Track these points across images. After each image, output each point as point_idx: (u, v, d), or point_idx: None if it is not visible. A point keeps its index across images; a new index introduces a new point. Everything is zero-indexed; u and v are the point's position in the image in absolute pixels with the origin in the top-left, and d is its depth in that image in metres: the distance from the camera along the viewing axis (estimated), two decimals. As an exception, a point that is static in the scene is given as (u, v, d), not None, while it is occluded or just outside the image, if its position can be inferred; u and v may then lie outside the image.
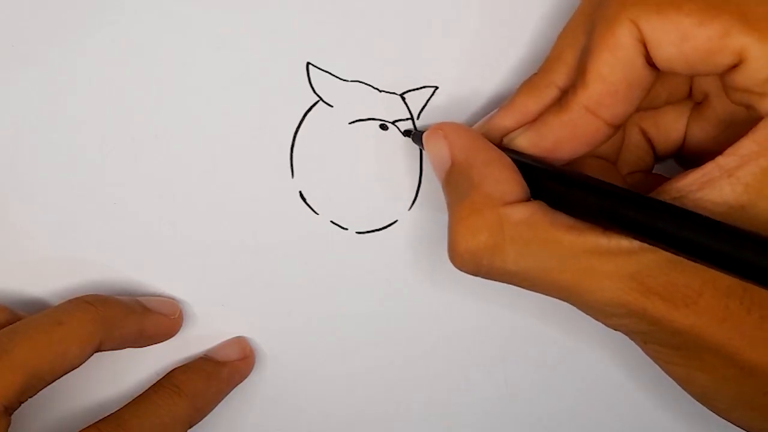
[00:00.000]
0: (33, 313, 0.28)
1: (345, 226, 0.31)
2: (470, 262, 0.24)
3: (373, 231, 0.31)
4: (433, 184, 0.31)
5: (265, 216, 0.31)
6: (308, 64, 0.30)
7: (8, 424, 0.26)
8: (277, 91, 0.30)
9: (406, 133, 0.30)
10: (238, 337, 0.31)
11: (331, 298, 0.31)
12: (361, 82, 0.30)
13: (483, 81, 0.30)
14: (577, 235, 0.23)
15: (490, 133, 0.27)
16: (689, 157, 0.28)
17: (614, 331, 0.25)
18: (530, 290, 0.25)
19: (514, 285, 0.25)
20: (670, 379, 0.25)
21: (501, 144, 0.27)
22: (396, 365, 0.32)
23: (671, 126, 0.28)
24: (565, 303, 0.31)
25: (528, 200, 0.24)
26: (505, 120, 0.27)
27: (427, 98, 0.30)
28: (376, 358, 0.32)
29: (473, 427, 0.32)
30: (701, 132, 0.27)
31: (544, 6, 0.29)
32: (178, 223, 0.31)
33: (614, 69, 0.23)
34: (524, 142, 0.26)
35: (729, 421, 0.25)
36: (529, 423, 0.32)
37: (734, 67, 0.22)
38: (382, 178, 0.31)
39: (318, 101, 0.30)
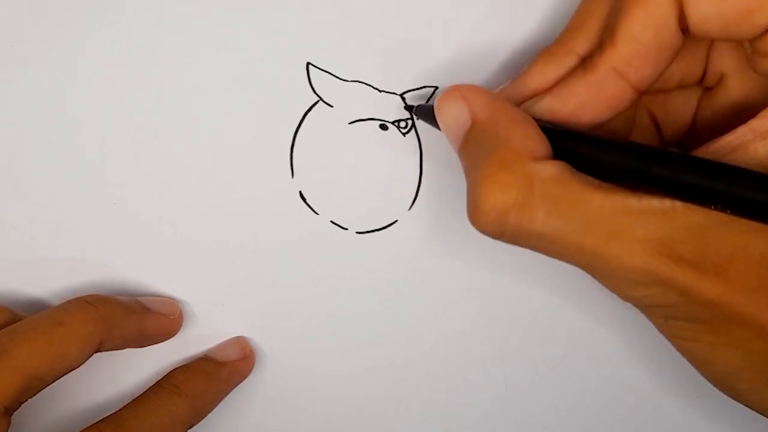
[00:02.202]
0: (33, 313, 0.28)
1: (345, 226, 0.31)
2: (495, 221, 0.23)
3: (373, 231, 0.31)
4: (433, 184, 0.31)
5: (265, 216, 0.31)
6: (308, 64, 0.30)
7: (8, 425, 0.26)
8: (277, 91, 0.30)
9: (408, 108, 0.29)
10: (238, 337, 0.31)
11: (331, 298, 0.31)
12: (361, 82, 0.30)
13: (482, 81, 0.30)
14: (607, 195, 0.22)
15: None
16: (695, 146, 0.28)
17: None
18: (553, 256, 0.23)
19: (537, 250, 0.24)
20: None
21: None
22: (396, 365, 0.32)
23: (679, 111, 0.27)
24: (565, 303, 0.31)
25: (554, 159, 0.23)
26: (522, 87, 0.26)
27: (427, 98, 0.30)
28: (376, 358, 0.32)
29: (473, 427, 0.32)
30: (710, 119, 0.27)
31: (545, 6, 0.29)
32: (178, 223, 0.31)
33: (647, 28, 0.23)
34: (543, 108, 0.25)
35: (748, 405, 0.24)
36: (529, 423, 0.32)
37: None
38: (382, 178, 0.31)
39: (318, 101, 0.30)
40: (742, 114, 0.25)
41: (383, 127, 0.30)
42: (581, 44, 0.25)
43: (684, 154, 0.22)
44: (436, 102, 0.26)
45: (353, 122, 0.30)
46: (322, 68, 0.30)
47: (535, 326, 0.32)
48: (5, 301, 0.30)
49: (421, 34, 0.29)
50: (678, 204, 0.21)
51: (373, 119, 0.30)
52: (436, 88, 0.30)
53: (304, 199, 0.31)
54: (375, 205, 0.31)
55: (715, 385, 0.25)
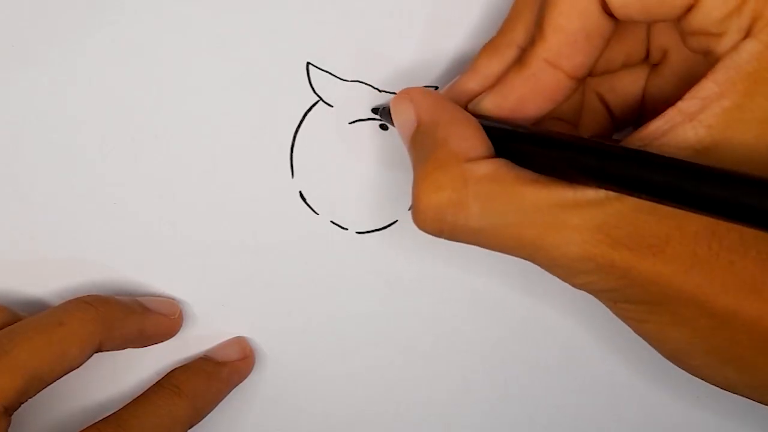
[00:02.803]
0: (33, 313, 0.28)
1: (345, 226, 0.31)
2: (433, 219, 0.24)
3: (373, 231, 0.31)
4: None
5: (265, 216, 0.31)
6: (308, 64, 0.30)
7: (8, 425, 0.26)
8: (277, 91, 0.30)
9: (374, 110, 0.30)
10: (238, 337, 0.31)
11: (331, 298, 0.31)
12: (361, 82, 0.30)
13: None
14: (542, 188, 0.22)
15: (455, 98, 0.27)
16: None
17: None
18: (495, 250, 0.24)
19: (479, 245, 0.24)
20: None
21: (467, 110, 0.26)
22: (396, 365, 0.32)
23: (628, 90, 0.27)
24: (565, 303, 0.31)
25: (493, 157, 0.24)
26: (469, 83, 0.26)
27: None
28: (376, 358, 0.32)
29: (473, 427, 0.32)
30: (660, 94, 0.27)
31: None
32: (178, 223, 0.31)
33: (571, 18, 0.23)
34: (489, 104, 0.25)
35: (704, 379, 0.25)
36: (529, 423, 0.32)
37: (690, 9, 0.22)
38: (382, 178, 0.31)
39: (318, 101, 0.30)
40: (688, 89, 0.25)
41: (383, 127, 0.30)
42: (519, 36, 0.25)
43: (612, 145, 0.22)
44: (390, 104, 0.27)
45: (353, 122, 0.30)
46: (322, 68, 0.30)
47: (536, 326, 0.32)
48: (5, 301, 0.30)
49: (421, 34, 0.29)
50: (612, 194, 0.22)
51: (373, 119, 0.30)
52: (436, 88, 0.30)
53: (304, 199, 0.31)
54: (375, 205, 0.31)
55: (671, 362, 0.25)
